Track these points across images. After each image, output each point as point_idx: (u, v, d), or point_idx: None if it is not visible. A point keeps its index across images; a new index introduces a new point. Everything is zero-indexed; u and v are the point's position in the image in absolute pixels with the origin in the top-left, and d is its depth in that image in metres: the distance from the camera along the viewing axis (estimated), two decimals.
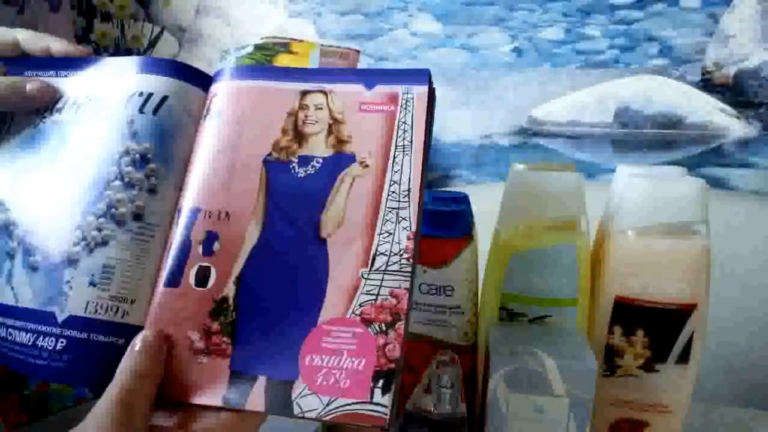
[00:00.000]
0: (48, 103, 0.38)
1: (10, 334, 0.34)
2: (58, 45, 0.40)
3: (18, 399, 0.47)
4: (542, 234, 0.45)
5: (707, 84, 0.98)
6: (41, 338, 0.33)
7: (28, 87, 0.38)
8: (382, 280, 0.32)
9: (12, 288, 0.35)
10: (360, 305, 0.31)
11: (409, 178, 0.33)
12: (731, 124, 0.98)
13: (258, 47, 0.43)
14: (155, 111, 0.36)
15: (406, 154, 0.34)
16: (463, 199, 0.49)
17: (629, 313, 0.45)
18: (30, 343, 0.33)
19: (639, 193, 0.45)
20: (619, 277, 0.46)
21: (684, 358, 0.45)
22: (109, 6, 1.22)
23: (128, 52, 1.18)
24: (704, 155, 1.00)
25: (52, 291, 0.34)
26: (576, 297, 0.45)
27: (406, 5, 1.12)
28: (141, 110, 0.36)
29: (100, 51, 1.21)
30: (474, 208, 0.49)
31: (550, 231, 0.45)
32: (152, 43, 1.20)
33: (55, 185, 0.36)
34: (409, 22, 1.13)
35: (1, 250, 0.36)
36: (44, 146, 0.37)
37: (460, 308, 0.48)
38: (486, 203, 0.48)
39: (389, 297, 0.31)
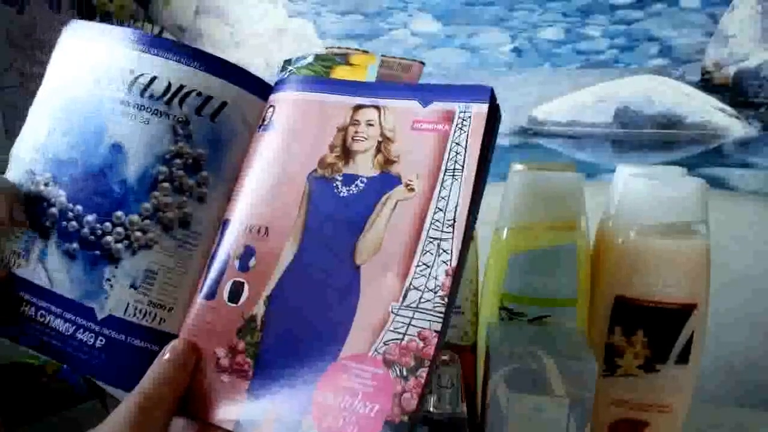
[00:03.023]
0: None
1: (44, 316, 0.33)
2: None
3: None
4: (542, 234, 0.45)
5: (707, 84, 0.98)
6: (80, 331, 0.33)
7: None
8: (412, 318, 0.29)
9: (46, 270, 0.34)
10: (385, 343, 0.29)
11: (456, 206, 0.30)
12: (731, 124, 0.98)
13: (318, 57, 0.41)
14: (213, 117, 0.35)
15: (456, 179, 0.31)
16: None
17: (629, 313, 0.45)
18: (69, 334, 0.33)
19: (639, 193, 0.45)
20: (619, 277, 0.45)
21: (684, 358, 0.45)
22: (109, 6, 1.22)
23: None
24: (704, 155, 1.00)
25: (91, 286, 0.33)
26: (576, 297, 0.45)
27: (406, 5, 1.12)
28: (198, 112, 0.35)
29: None
30: None
31: (550, 231, 0.45)
32: None
33: (93, 168, 0.34)
34: (409, 22, 1.13)
35: (33, 224, 0.34)
36: (84, 123, 0.35)
37: (460, 308, 0.48)
38: (486, 203, 0.48)
39: (416, 338, 0.28)
